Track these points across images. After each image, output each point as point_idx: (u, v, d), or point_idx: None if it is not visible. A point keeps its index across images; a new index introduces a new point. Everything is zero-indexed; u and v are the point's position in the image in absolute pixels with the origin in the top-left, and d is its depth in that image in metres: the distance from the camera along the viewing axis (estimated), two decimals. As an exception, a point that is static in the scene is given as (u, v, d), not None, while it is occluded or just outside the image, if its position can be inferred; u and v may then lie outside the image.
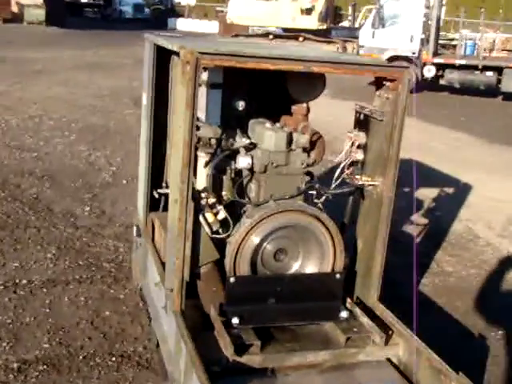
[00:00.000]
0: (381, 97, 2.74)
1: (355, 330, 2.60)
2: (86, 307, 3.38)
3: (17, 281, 3.60)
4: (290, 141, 2.66)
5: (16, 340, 3.01)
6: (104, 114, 8.56)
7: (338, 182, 2.84)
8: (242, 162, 2.61)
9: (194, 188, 2.53)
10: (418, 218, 5.37)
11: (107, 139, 7.20)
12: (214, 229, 2.57)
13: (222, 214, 2.59)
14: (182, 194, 2.44)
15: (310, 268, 2.73)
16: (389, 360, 2.60)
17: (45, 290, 3.53)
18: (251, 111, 2.80)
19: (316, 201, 2.80)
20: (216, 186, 2.66)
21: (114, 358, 2.93)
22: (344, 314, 2.63)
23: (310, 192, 2.78)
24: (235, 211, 2.69)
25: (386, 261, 4.32)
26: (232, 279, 2.56)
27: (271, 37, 22.16)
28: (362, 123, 2.88)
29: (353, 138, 2.88)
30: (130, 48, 16.22)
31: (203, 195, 2.57)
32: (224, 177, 2.68)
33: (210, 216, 2.56)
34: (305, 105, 2.89)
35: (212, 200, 2.57)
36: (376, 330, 2.56)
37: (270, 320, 2.57)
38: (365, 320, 2.64)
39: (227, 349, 2.34)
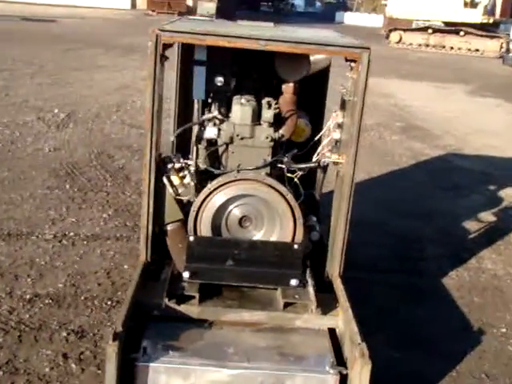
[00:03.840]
0: (350, 77, 2.82)
1: (296, 296, 2.72)
2: (111, 260, 3.81)
3: (66, 233, 4.14)
4: (257, 115, 2.85)
5: (40, 278, 3.51)
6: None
7: (318, 158, 2.99)
8: (208, 132, 2.85)
9: (160, 154, 2.83)
10: (486, 215, 5.17)
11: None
12: (180, 191, 2.86)
13: (188, 179, 2.86)
14: (145, 156, 2.76)
15: (273, 238, 2.90)
16: (331, 330, 2.70)
17: (85, 242, 4.02)
18: (232, 88, 3.01)
19: (290, 175, 2.96)
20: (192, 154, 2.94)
21: (109, 302, 3.31)
22: (293, 282, 2.76)
23: (280, 166, 2.93)
24: (209, 179, 2.94)
25: (421, 248, 4.32)
26: (191, 238, 2.82)
27: (430, 31, 21.51)
28: (343, 103, 2.98)
29: (333, 118, 3.00)
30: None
31: (172, 160, 2.86)
32: (199, 146, 2.94)
33: (175, 179, 2.85)
34: (291, 84, 3.05)
35: (178, 165, 2.85)
36: (312, 299, 2.67)
37: (220, 279, 2.78)
38: (310, 290, 2.75)
39: (162, 296, 2.62)
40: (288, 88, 3.06)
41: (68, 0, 26.66)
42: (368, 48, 2.66)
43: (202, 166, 2.91)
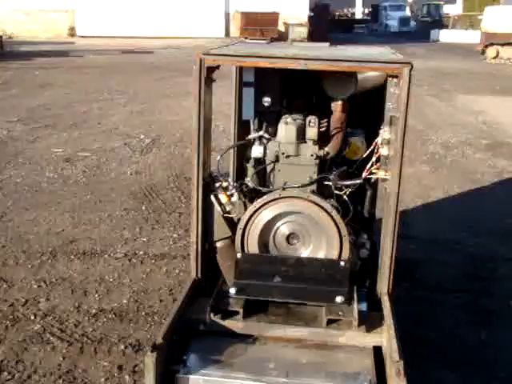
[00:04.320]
0: (394, 93, 2.81)
1: (340, 313, 2.71)
2: (175, 277, 3.94)
3: (136, 251, 4.33)
4: (302, 133, 2.89)
5: (107, 293, 3.70)
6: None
7: (365, 175, 2.98)
8: (254, 151, 2.93)
9: (210, 172, 2.93)
10: None
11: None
12: (227, 209, 2.94)
13: (235, 197, 2.94)
14: (193, 175, 2.87)
15: (320, 254, 2.91)
16: (377, 348, 2.66)
17: (153, 261, 4.19)
18: (281, 108, 3.07)
19: (338, 192, 2.97)
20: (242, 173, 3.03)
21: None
22: (338, 300, 2.75)
23: (326, 183, 2.95)
24: (257, 197, 3.00)
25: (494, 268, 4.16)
26: (238, 255, 2.88)
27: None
28: (390, 120, 2.97)
29: (381, 134, 2.99)
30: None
31: (219, 178, 2.95)
32: (247, 165, 3.02)
33: (223, 197, 2.93)
34: (339, 102, 3.08)
35: (225, 183, 2.94)
36: (355, 316, 2.65)
37: (265, 295, 2.81)
38: (354, 307, 2.73)
39: (206, 311, 2.69)
40: (336, 106, 3.08)
41: (165, 32, 27.90)
42: (408, 63, 2.64)
43: (251, 185, 2.98)
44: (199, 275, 2.99)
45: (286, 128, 2.88)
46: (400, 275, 4.07)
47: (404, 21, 39.12)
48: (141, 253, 4.31)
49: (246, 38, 28.91)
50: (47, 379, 2.85)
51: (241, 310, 2.71)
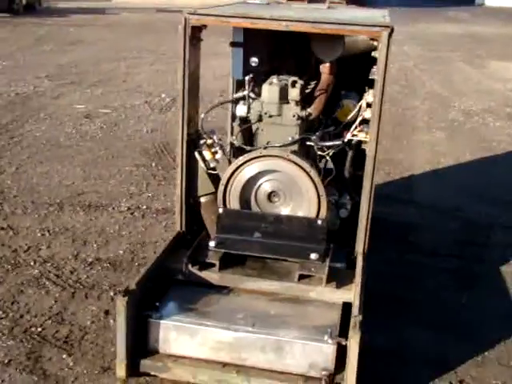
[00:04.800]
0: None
1: (313, 269, 2.80)
2: (173, 232, 4.07)
3: (139, 206, 4.48)
4: (285, 94, 2.94)
5: (105, 244, 3.86)
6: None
7: (347, 137, 3.02)
8: (239, 110, 3.00)
9: (197, 130, 3.03)
10: None
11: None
12: (211, 165, 3.03)
13: (219, 154, 3.03)
14: (178, 132, 2.97)
15: (299, 213, 2.99)
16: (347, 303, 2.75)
17: (154, 215, 4.34)
18: (269, 68, 3.12)
19: (321, 153, 3.04)
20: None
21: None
22: (313, 256, 2.84)
23: (309, 143, 3.01)
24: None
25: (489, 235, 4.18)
26: (220, 210, 3.00)
27: None
28: (372, 83, 2.99)
29: (365, 97, 3.03)
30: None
31: (203, 136, 3.04)
32: (233, 124, 3.11)
33: (207, 154, 3.03)
34: (327, 64, 3.12)
35: (210, 141, 3.02)
36: (325, 273, 2.74)
37: (243, 249, 2.92)
38: (326, 264, 2.81)
39: (183, 261, 2.81)
40: (324, 68, 3.14)
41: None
42: (388, 26, 2.66)
43: (236, 143, 3.06)
44: (183, 228, 3.12)
45: (269, 88, 2.94)
46: (395, 238, 4.17)
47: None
48: (144, 207, 4.46)
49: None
50: (38, 319, 3.03)
51: (217, 263, 2.83)
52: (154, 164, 5.40)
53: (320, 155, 3.04)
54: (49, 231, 4.00)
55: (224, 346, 2.55)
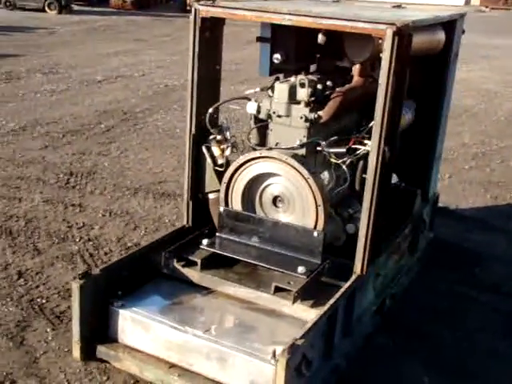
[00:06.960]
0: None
1: (291, 283, 2.58)
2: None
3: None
4: (294, 93, 2.75)
5: (153, 231, 3.94)
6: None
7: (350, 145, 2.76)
8: (249, 107, 2.86)
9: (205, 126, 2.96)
10: None
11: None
12: (219, 162, 2.94)
13: (228, 152, 2.93)
14: (187, 127, 2.94)
15: (304, 222, 2.77)
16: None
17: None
18: (296, 67, 2.93)
19: (334, 161, 2.79)
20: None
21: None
22: (300, 269, 2.62)
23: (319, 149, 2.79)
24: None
25: None
26: (221, 209, 2.90)
27: None
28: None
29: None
30: None
31: (213, 132, 2.95)
32: (250, 121, 2.98)
33: (216, 150, 2.94)
34: (357, 65, 2.87)
35: (219, 137, 2.93)
36: (298, 289, 2.51)
37: (232, 252, 2.78)
38: (303, 280, 2.57)
39: (169, 258, 2.76)
40: (354, 70, 2.90)
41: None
42: (393, 24, 2.36)
43: (247, 141, 2.94)
44: (190, 223, 3.07)
45: (279, 87, 2.77)
46: (458, 267, 3.69)
47: None
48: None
49: (486, 6, 26.88)
50: (48, 292, 3.19)
51: (199, 261, 2.74)
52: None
53: (335, 163, 2.80)
54: (110, 213, 4.19)
55: (173, 346, 2.46)
